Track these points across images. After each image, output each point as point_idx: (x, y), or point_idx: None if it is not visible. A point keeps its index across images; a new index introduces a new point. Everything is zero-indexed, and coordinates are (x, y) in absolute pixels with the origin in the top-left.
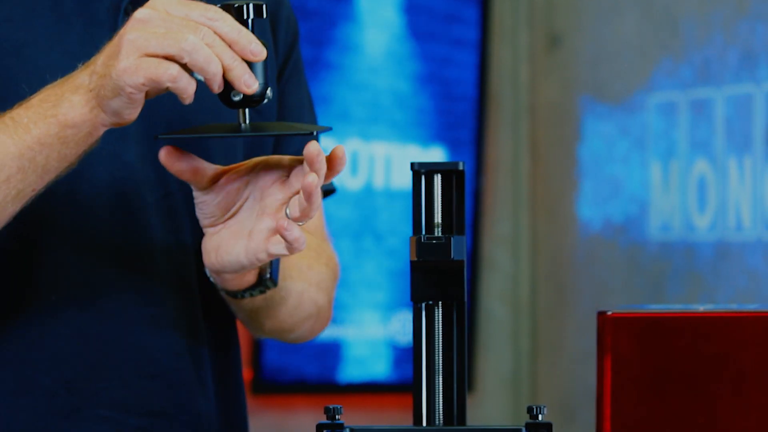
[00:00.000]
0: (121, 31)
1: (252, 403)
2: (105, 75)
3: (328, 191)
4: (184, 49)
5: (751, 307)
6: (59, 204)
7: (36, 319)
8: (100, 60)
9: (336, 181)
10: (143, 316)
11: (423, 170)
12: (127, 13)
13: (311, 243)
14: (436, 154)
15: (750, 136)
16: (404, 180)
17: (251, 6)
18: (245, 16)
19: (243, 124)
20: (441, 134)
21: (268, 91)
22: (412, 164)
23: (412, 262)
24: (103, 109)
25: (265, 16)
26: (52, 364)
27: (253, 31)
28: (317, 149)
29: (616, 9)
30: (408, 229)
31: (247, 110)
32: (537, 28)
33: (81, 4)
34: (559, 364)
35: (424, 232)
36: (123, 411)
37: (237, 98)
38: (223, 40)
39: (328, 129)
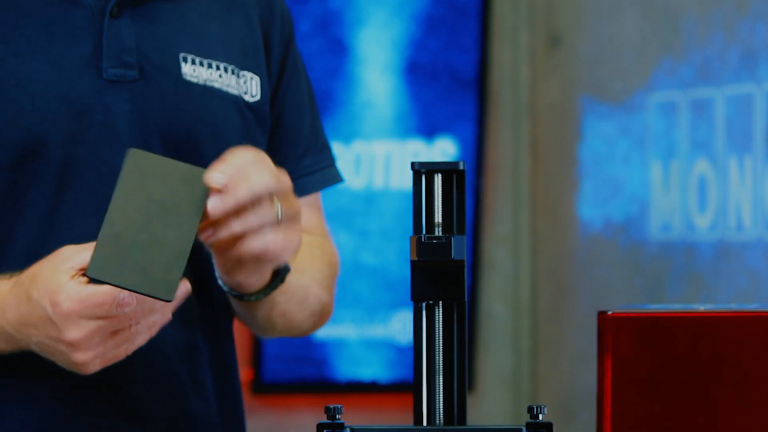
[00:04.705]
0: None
1: (252, 403)
2: (53, 356)
3: (334, 181)
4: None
5: (751, 307)
6: (46, 213)
7: None
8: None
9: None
10: None
11: (423, 170)
12: (113, 16)
13: (314, 242)
14: (437, 153)
15: (750, 136)
16: (404, 179)
17: None
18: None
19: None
20: (441, 134)
21: None
22: (413, 164)
23: (412, 262)
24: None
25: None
26: (44, 374)
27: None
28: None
29: (616, 8)
30: (408, 229)
31: None
32: (537, 28)
33: (63, 11)
34: (559, 364)
35: (424, 232)
36: (115, 418)
37: None
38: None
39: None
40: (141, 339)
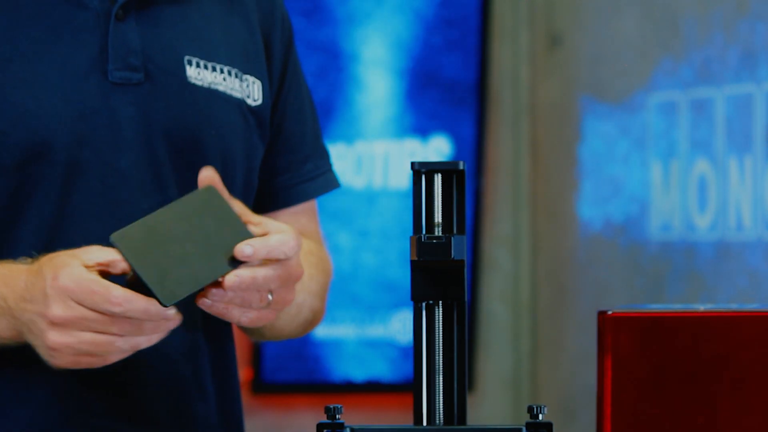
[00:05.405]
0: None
1: (252, 403)
2: (35, 339)
3: (333, 186)
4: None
5: (751, 307)
6: (51, 215)
7: None
8: (31, 328)
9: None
10: None
11: (423, 170)
12: (118, 18)
13: (313, 249)
14: (432, 152)
15: (750, 136)
16: (403, 179)
17: None
18: None
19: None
20: (441, 134)
21: None
22: (413, 164)
23: (412, 262)
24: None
25: None
26: (48, 376)
27: None
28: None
29: (616, 9)
30: (408, 229)
31: None
32: (537, 28)
33: (68, 13)
34: (559, 364)
35: (424, 232)
36: (120, 419)
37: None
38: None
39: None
40: (116, 357)
